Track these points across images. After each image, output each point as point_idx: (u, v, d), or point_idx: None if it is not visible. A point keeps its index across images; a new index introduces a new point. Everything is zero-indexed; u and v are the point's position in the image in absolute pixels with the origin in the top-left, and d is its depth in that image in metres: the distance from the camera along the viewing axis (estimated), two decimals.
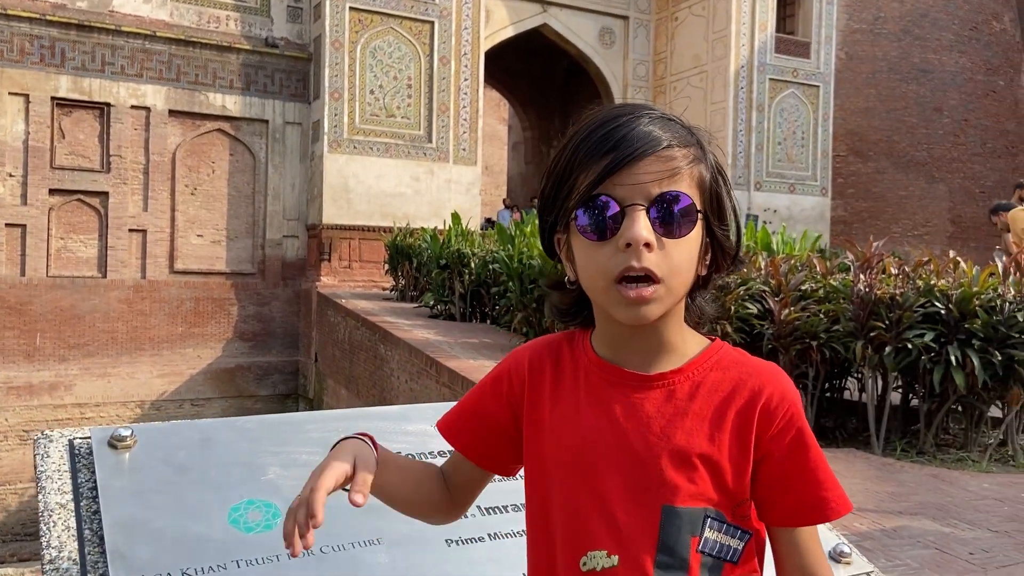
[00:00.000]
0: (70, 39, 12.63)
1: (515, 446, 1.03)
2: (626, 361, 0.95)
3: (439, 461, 1.13)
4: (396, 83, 14.08)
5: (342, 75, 13.58)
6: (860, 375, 5.10)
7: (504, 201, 21.45)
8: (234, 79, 13.77)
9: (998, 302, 4.51)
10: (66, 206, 12.74)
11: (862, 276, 4.78)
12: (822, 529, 1.39)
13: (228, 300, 13.83)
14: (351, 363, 10.03)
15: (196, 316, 13.56)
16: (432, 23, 14.31)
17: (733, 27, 16.78)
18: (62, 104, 12.66)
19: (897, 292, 4.63)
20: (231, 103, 13.75)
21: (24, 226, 12.34)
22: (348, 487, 0.93)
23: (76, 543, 1.21)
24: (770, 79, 17.19)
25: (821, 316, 4.78)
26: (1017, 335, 4.43)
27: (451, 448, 1.07)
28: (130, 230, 13.07)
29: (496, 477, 1.09)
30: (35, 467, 1.34)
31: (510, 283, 7.17)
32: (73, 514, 1.26)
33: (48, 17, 12.43)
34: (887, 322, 4.58)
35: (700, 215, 0.90)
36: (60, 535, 1.23)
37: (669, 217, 0.87)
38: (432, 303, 9.30)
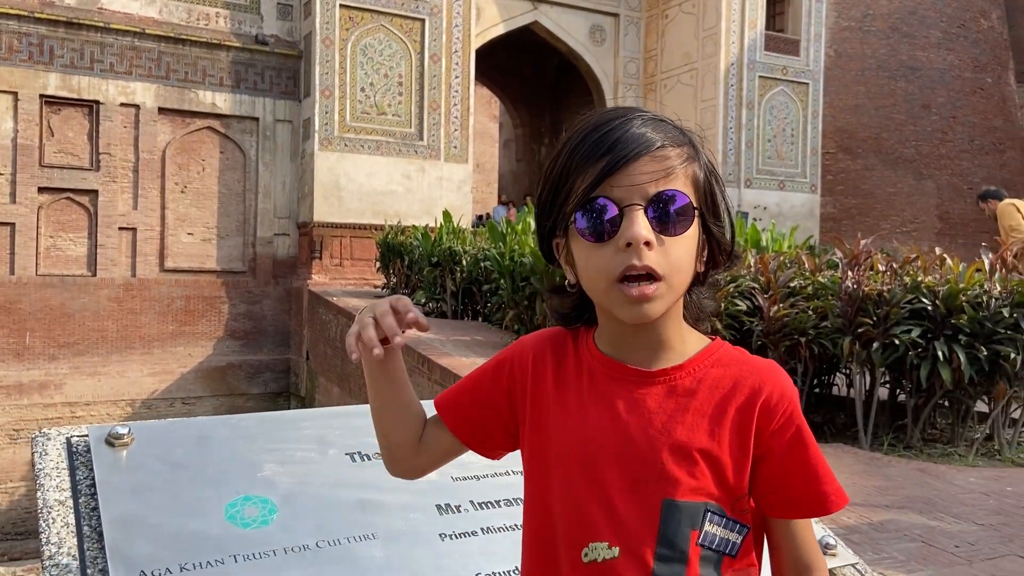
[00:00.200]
0: (59, 36, 12.56)
1: (506, 433, 1.05)
2: (628, 358, 0.97)
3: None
4: (387, 81, 14.06)
5: (333, 73, 13.56)
6: (848, 371, 5.14)
7: (500, 198, 21.46)
8: (224, 77, 13.72)
9: (984, 298, 4.56)
10: (55, 204, 12.68)
11: (850, 273, 4.83)
12: None
13: (219, 298, 13.80)
14: (343, 361, 10.03)
15: (187, 314, 13.52)
16: (423, 21, 14.30)
17: (723, 25, 16.82)
18: (51, 102, 12.59)
19: (884, 288, 4.68)
20: (221, 101, 13.70)
21: (13, 224, 12.27)
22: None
23: (75, 539, 1.23)
24: (760, 77, 17.25)
25: (810, 313, 4.82)
26: (1003, 331, 4.48)
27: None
28: (120, 228, 13.02)
29: (488, 465, 1.11)
30: (33, 465, 1.36)
31: (502, 281, 7.19)
32: (72, 511, 1.27)
33: (36, 14, 12.36)
34: (875, 318, 4.62)
35: (696, 212, 0.92)
36: (59, 531, 1.24)
37: (666, 216, 0.89)
38: (424, 301, 9.31)
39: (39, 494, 1.30)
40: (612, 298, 0.91)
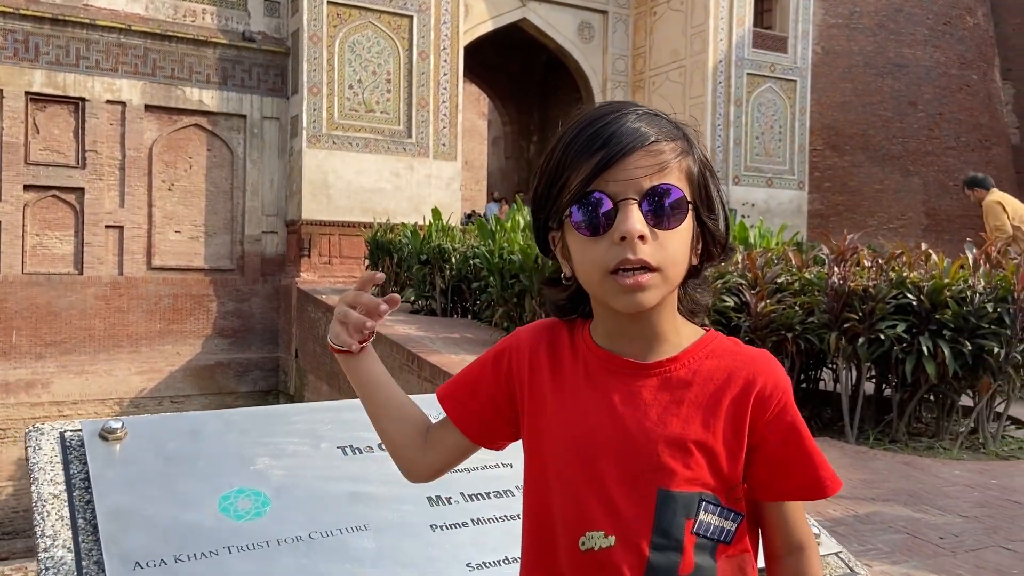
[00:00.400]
0: (44, 33, 12.48)
1: (508, 423, 1.06)
2: (624, 350, 0.98)
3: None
4: (375, 78, 14.04)
5: (321, 70, 13.53)
6: (834, 366, 5.19)
7: (492, 195, 21.46)
8: (211, 73, 13.67)
9: (968, 293, 4.61)
10: (41, 202, 12.60)
11: (836, 269, 4.87)
12: None
13: (207, 296, 13.75)
14: (332, 359, 9.98)
15: (175, 313, 13.47)
16: (411, 17, 14.28)
17: (711, 22, 16.89)
18: (36, 99, 12.51)
19: (870, 284, 4.72)
20: (208, 98, 13.65)
21: None
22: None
23: (70, 531, 1.24)
24: (748, 74, 17.32)
25: (796, 308, 4.86)
26: (987, 325, 4.53)
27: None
28: (106, 226, 12.96)
29: (479, 457, 1.13)
30: (27, 459, 1.37)
31: (491, 278, 7.20)
32: (66, 504, 1.29)
33: (22, 11, 12.28)
34: (860, 314, 4.66)
35: (690, 206, 0.94)
36: (54, 524, 1.25)
37: (661, 209, 0.90)
38: (413, 299, 9.31)
39: (33, 488, 1.31)
40: (607, 288, 0.92)
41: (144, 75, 13.16)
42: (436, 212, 10.33)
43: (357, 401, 1.13)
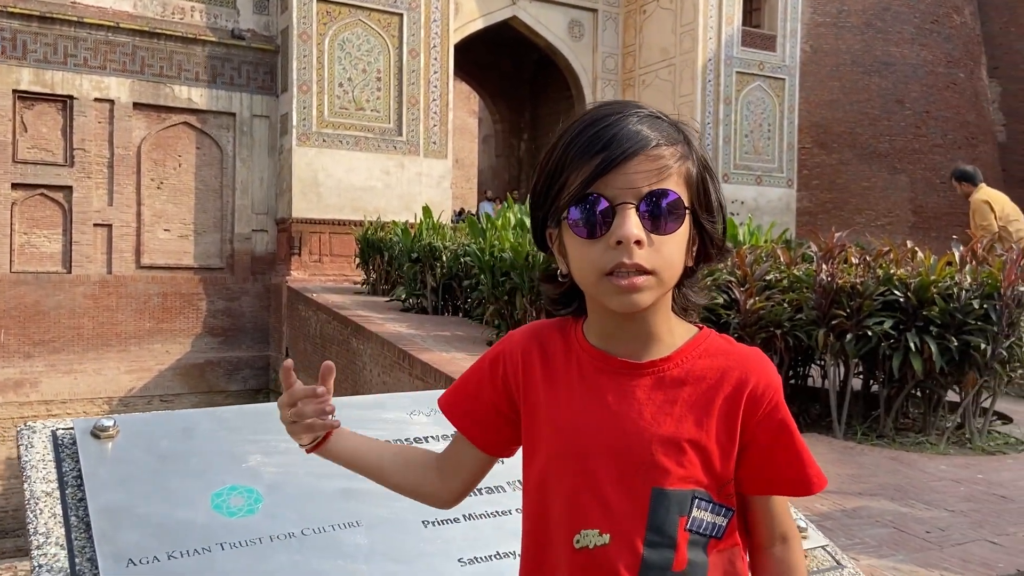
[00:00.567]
0: (32, 31, 12.40)
1: (512, 427, 1.07)
2: (617, 349, 0.99)
3: (418, 447, 1.17)
4: (365, 76, 14.01)
5: (310, 68, 13.49)
6: (822, 362, 5.22)
7: (485, 193, 21.45)
8: (200, 71, 13.61)
9: (955, 290, 4.64)
10: (29, 201, 12.52)
11: (824, 266, 4.90)
12: None
13: (196, 295, 13.70)
14: (323, 357, 9.99)
15: (164, 311, 13.42)
16: (401, 15, 14.26)
17: (700, 20, 16.93)
18: (24, 97, 12.43)
19: (858, 281, 4.75)
20: (197, 96, 13.59)
21: None
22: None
23: (63, 529, 1.25)
24: (737, 72, 17.39)
25: (785, 305, 4.89)
26: (973, 322, 4.57)
27: (434, 434, 1.12)
28: (95, 225, 12.89)
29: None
30: (19, 457, 1.37)
31: (482, 276, 7.21)
32: (59, 501, 1.29)
33: (9, 8, 12.19)
34: (848, 310, 4.70)
35: (688, 211, 0.94)
36: (47, 521, 1.26)
37: (658, 214, 0.91)
38: (404, 297, 9.31)
39: (26, 486, 1.32)
40: (602, 289, 0.93)
41: (132, 73, 13.09)
42: (427, 210, 10.33)
43: (347, 399, 1.15)
